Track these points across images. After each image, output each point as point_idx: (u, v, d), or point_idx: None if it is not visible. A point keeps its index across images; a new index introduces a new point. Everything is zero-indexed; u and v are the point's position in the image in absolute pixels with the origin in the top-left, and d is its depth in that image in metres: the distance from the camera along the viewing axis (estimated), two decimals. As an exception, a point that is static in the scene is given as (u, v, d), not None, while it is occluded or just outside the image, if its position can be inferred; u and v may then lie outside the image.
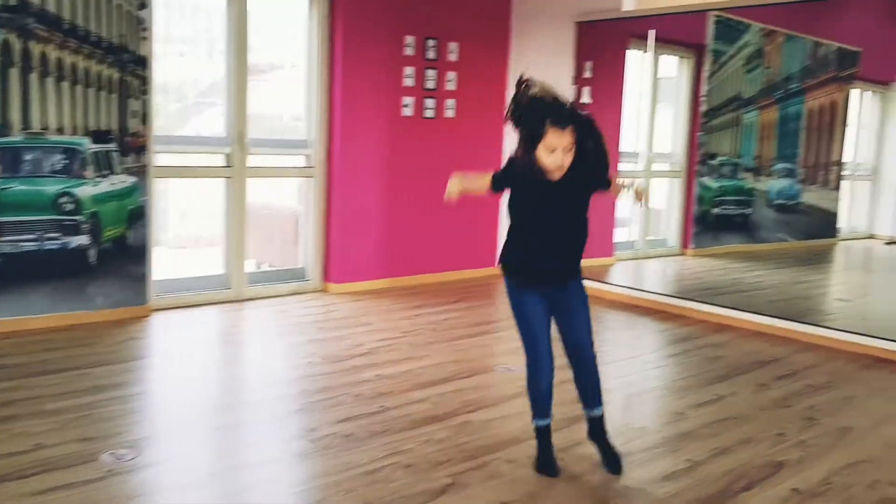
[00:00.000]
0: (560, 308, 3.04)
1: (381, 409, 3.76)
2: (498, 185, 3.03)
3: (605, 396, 3.20)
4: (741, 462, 3.33)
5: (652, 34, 6.50)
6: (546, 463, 3.11)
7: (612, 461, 3.11)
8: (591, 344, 3.08)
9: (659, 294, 6.36)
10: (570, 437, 3.44)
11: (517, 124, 2.85)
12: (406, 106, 6.35)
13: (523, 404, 3.84)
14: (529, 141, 2.80)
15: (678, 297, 6.24)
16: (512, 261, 3.04)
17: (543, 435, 3.14)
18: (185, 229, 5.69)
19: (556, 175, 2.83)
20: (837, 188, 6.13)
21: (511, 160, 2.94)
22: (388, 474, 3.07)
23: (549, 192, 2.88)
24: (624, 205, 6.90)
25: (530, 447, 3.32)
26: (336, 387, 4.07)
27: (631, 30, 6.62)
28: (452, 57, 6.57)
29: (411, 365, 4.46)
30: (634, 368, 4.69)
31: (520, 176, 2.91)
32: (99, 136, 4.94)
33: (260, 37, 5.73)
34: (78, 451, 3.11)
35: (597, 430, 3.16)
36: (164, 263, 5.55)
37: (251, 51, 5.62)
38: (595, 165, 2.88)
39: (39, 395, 3.69)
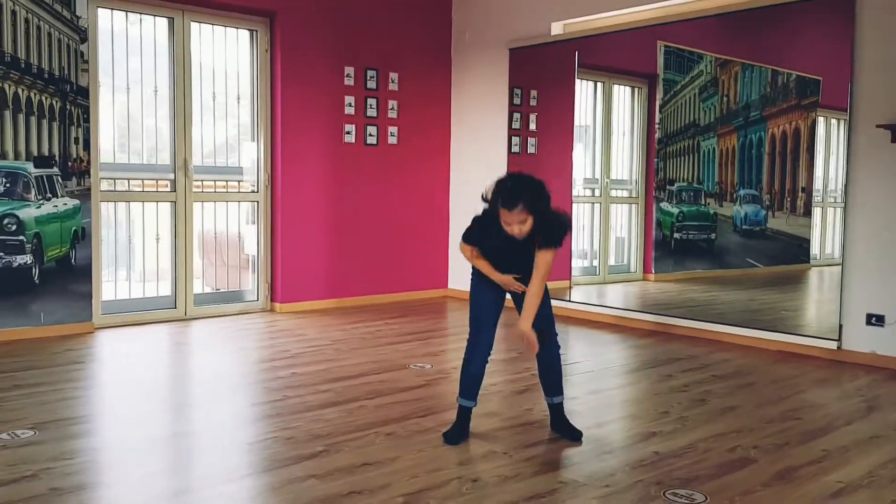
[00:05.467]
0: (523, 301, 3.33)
1: (283, 398, 3.94)
2: (472, 241, 3.32)
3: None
4: (613, 432, 3.49)
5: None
6: (458, 434, 3.33)
7: (574, 434, 3.39)
8: (554, 335, 3.41)
9: (591, 305, 6.53)
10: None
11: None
12: (348, 133, 6.64)
13: (423, 393, 4.05)
14: (493, 217, 3.15)
15: (612, 308, 6.40)
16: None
17: (464, 414, 3.37)
18: (133, 253, 5.93)
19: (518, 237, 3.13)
20: (808, 214, 6.26)
21: (480, 222, 3.25)
22: (268, 445, 3.25)
23: (509, 243, 3.19)
24: (581, 236, 7.17)
25: (414, 424, 3.52)
26: (248, 384, 4.27)
27: (575, 58, 6.84)
28: (393, 86, 6.88)
29: (329, 365, 4.64)
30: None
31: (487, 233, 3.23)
32: (42, 161, 5.23)
33: (203, 68, 6.05)
34: (-22, 431, 3.32)
35: (558, 415, 3.45)
36: (111, 285, 5.79)
37: (195, 82, 5.96)
38: (542, 232, 3.16)
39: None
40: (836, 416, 3.79)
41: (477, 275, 3.38)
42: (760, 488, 2.86)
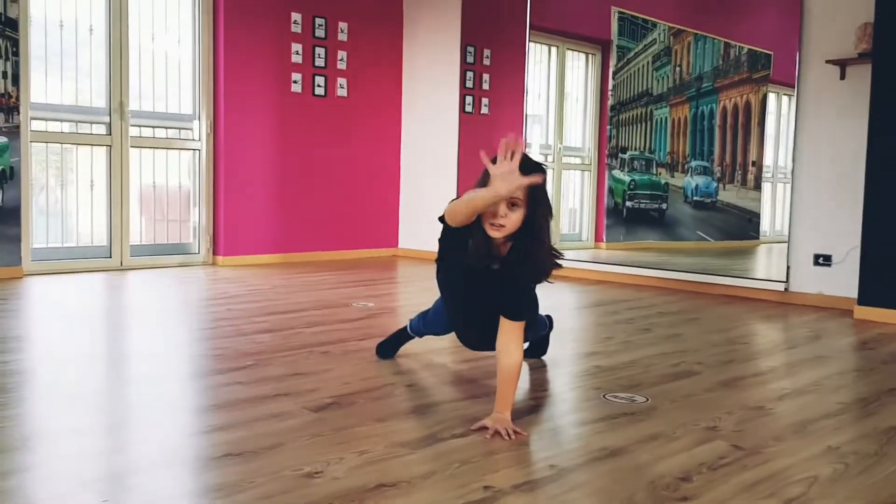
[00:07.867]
0: None
1: (216, 326, 3.78)
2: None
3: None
4: (557, 353, 3.38)
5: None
6: (388, 349, 3.17)
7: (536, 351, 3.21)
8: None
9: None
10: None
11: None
12: (295, 82, 6.45)
13: (365, 323, 3.90)
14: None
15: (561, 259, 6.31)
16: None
17: (403, 334, 3.13)
18: (67, 200, 5.68)
19: (497, 237, 2.28)
20: (758, 188, 6.22)
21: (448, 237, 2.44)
22: (195, 360, 3.09)
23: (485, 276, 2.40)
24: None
25: (351, 345, 3.38)
26: (184, 318, 4.09)
27: (527, 14, 6.71)
28: (342, 36, 6.70)
29: (268, 304, 4.47)
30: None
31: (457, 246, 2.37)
32: (-34, 94, 4.98)
33: (140, 9, 5.82)
34: None
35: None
36: (42, 232, 5.54)
37: (133, 22, 5.73)
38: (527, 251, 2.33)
39: None
40: (783, 342, 3.75)
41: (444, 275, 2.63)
42: (704, 393, 2.78)
